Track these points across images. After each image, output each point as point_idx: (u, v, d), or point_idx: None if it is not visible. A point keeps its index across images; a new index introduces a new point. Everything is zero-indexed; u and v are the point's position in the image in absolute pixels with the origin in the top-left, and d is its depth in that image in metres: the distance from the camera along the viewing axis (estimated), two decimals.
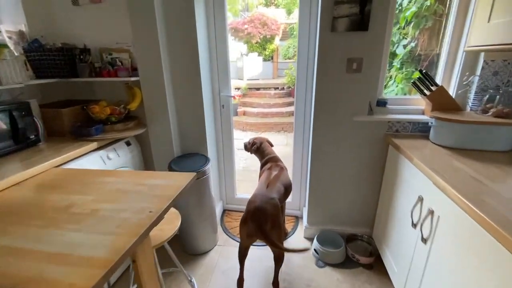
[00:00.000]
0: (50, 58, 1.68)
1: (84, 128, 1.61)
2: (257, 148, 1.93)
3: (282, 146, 4.73)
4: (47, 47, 1.68)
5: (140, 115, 1.94)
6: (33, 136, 1.49)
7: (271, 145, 1.99)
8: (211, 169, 2.03)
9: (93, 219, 0.86)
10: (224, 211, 2.44)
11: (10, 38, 1.71)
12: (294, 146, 2.16)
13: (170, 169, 1.76)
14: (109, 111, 1.71)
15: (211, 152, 2.10)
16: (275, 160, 1.83)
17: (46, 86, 1.81)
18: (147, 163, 2.06)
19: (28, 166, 1.22)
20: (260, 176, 1.81)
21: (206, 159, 1.90)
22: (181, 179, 1.13)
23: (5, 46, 1.42)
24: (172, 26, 1.73)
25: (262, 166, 1.87)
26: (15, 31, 1.71)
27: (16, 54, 1.51)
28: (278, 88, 7.17)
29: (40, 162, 1.27)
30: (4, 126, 1.34)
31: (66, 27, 1.87)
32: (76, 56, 1.74)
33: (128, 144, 1.85)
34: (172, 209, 1.34)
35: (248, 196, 1.50)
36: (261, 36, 8.21)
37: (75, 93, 2.02)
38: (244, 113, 6.49)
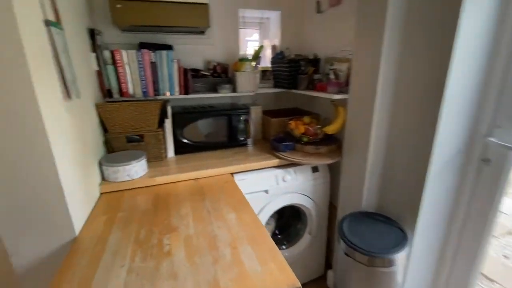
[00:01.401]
0: (280, 69, 1.77)
1: (278, 141, 1.57)
2: None
3: None
4: (281, 59, 1.77)
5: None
6: (243, 139, 1.70)
7: None
8: (411, 258, 1.19)
9: (147, 267, 0.75)
10: None
11: (266, 52, 2.02)
12: None
13: (340, 230, 1.24)
14: (302, 130, 1.51)
15: (427, 227, 1.21)
16: None
17: (279, 94, 1.98)
18: (333, 196, 1.66)
19: (214, 165, 1.39)
20: None
21: (402, 240, 1.12)
22: (274, 277, 0.68)
23: (247, 60, 1.67)
24: (414, 28, 1.06)
25: None
26: (271, 45, 1.98)
27: (255, 66, 1.75)
28: None
29: (223, 165, 1.40)
30: (222, 126, 1.64)
31: (308, 37, 1.86)
32: (299, 67, 1.68)
33: (315, 169, 1.57)
34: None
35: None
36: None
37: (302, 104, 2.04)
38: None
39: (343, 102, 1.42)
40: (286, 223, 1.82)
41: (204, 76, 1.73)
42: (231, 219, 0.97)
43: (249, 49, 2.14)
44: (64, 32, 0.96)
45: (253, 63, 1.72)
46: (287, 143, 1.53)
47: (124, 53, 1.40)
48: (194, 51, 1.72)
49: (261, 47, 1.80)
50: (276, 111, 1.96)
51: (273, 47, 1.96)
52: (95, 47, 1.34)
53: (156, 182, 1.26)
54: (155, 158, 1.46)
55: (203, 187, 1.24)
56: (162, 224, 0.95)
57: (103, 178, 1.22)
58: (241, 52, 1.83)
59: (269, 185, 1.46)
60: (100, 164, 1.22)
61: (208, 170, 1.35)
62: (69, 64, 0.96)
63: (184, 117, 1.55)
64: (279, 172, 1.48)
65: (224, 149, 1.66)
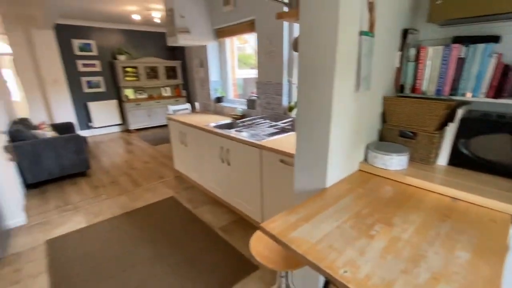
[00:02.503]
0: None
1: None
2: None
3: None
4: None
5: None
6: None
7: None
8: None
9: (349, 234, 0.89)
10: None
11: None
12: None
13: None
14: None
15: None
16: None
17: None
18: None
19: (491, 195, 1.06)
20: None
21: None
22: None
23: None
24: None
25: None
26: None
27: None
28: None
29: (507, 200, 1.02)
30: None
31: None
32: None
33: None
34: None
35: None
36: None
37: None
38: None
39: None
40: None
41: None
42: (459, 256, 0.78)
43: None
44: (373, 38, 1.21)
45: None
46: None
47: (430, 49, 1.39)
48: None
49: None
50: None
51: None
52: (403, 46, 1.48)
53: (406, 181, 1.26)
54: (421, 160, 1.39)
55: (455, 210, 1.03)
56: (384, 215, 1.01)
57: (365, 159, 1.46)
58: None
59: None
60: (367, 147, 1.45)
61: (478, 196, 1.06)
62: (368, 63, 1.22)
63: (480, 125, 1.26)
64: None
65: None
